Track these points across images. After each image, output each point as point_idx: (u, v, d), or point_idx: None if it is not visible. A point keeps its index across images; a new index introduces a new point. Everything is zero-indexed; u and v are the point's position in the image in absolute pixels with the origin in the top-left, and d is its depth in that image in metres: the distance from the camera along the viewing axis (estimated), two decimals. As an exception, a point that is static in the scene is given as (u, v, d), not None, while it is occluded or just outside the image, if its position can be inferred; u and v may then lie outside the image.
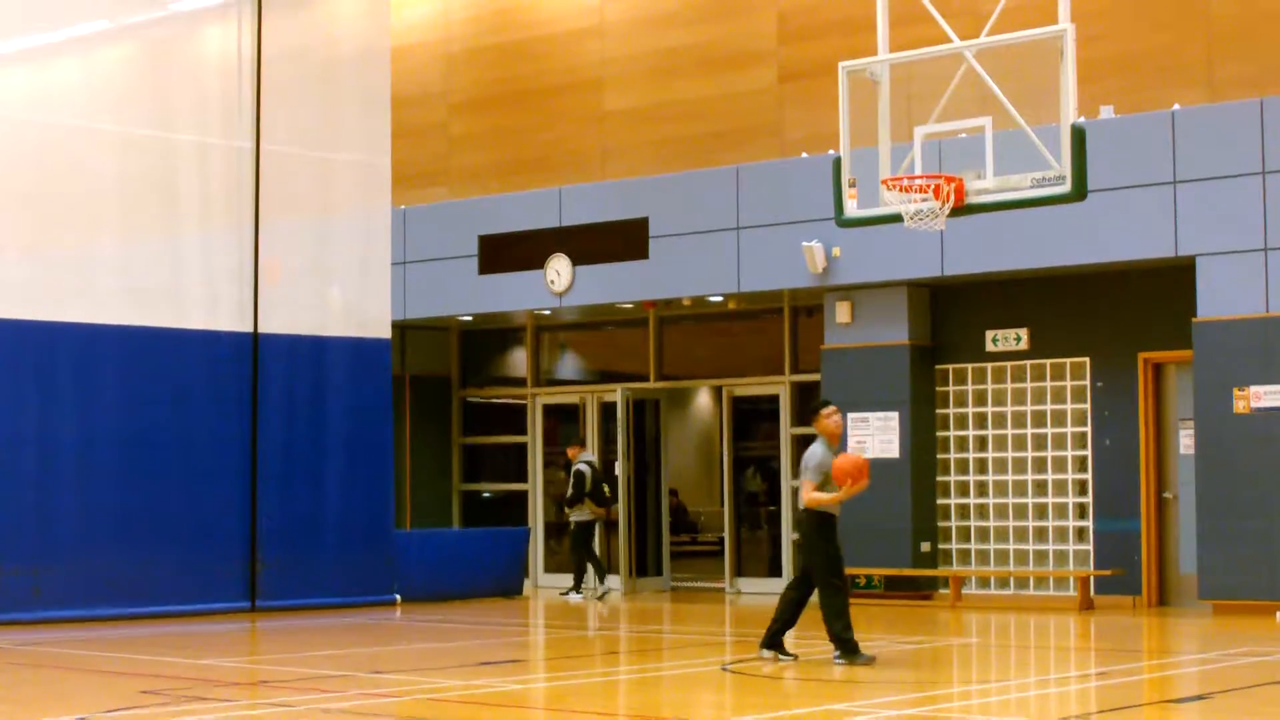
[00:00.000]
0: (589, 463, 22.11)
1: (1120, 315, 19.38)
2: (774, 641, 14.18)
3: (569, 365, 24.81)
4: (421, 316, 23.58)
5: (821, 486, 13.98)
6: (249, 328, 19.68)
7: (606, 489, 22.28)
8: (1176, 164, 18.22)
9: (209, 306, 19.47)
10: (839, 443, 14.33)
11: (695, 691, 12.78)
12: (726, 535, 22.44)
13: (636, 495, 22.91)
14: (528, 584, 22.74)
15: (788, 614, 14.18)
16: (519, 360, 24.67)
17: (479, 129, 24.98)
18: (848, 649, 13.83)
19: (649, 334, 23.16)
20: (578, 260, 22.03)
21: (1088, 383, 19.54)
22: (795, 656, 14.19)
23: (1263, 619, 17.44)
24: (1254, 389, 17.91)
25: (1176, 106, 18.51)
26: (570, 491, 22.02)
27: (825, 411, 14.30)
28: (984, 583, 20.09)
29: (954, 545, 20.27)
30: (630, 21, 23.58)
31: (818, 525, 14.04)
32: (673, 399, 24.86)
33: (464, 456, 25.05)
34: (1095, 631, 17.14)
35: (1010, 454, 19.98)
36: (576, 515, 22.00)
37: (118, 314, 18.83)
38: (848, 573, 20.31)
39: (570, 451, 22.32)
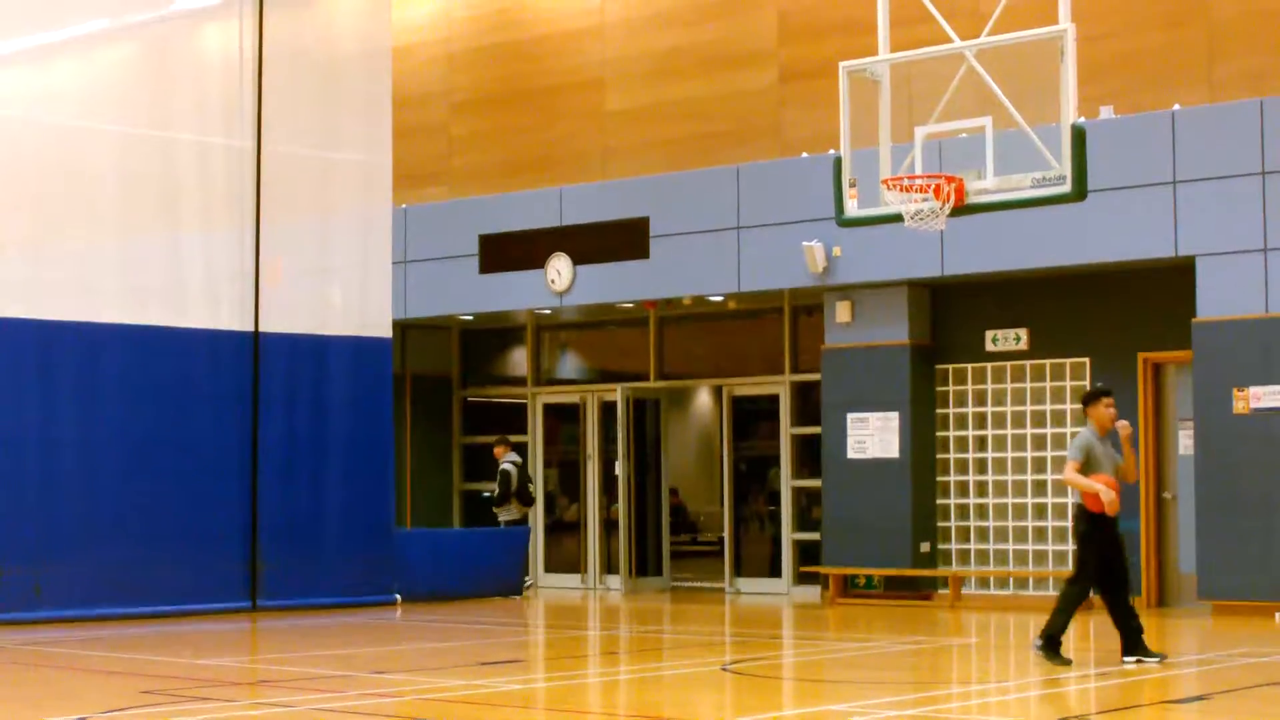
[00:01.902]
0: (514, 462, 22.23)
1: (1120, 315, 19.39)
2: (1050, 641, 13.73)
3: (569, 365, 24.83)
4: (422, 316, 23.60)
5: (1085, 467, 13.73)
6: (250, 327, 19.69)
7: (532, 488, 22.46)
8: (1177, 164, 18.23)
9: (210, 306, 19.48)
10: (1108, 434, 13.96)
11: (695, 691, 12.79)
12: (726, 535, 22.45)
13: (637, 495, 22.93)
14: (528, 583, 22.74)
15: (1068, 611, 13.76)
16: (519, 360, 24.69)
17: (480, 128, 25.00)
18: (1050, 647, 13.58)
19: (649, 333, 23.18)
20: (578, 260, 22.04)
21: (1087, 383, 19.54)
22: (1069, 662, 13.68)
23: (1262, 619, 17.46)
24: (1254, 389, 17.92)
25: (1177, 106, 18.53)
26: (496, 491, 22.17)
27: (1106, 401, 14.02)
28: (983, 583, 20.10)
29: (954, 545, 20.29)
30: (631, 21, 23.59)
31: (1091, 523, 13.80)
32: (673, 398, 24.89)
33: (464, 456, 25.07)
34: (1095, 631, 17.14)
35: (1010, 454, 19.99)
36: (504, 515, 22.15)
37: (118, 313, 18.84)
38: (848, 572, 20.43)
39: (497, 450, 22.45)
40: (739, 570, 22.39)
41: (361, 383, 20.45)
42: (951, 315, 20.39)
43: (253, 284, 19.71)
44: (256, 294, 19.72)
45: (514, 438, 24.29)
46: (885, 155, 14.79)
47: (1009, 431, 20.03)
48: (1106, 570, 13.83)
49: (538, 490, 23.44)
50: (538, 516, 23.92)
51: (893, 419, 20.22)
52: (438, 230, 23.34)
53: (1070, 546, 19.62)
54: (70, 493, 18.34)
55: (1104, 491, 13.66)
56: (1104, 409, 13.97)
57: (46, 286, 18.48)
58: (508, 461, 22.20)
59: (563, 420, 24.12)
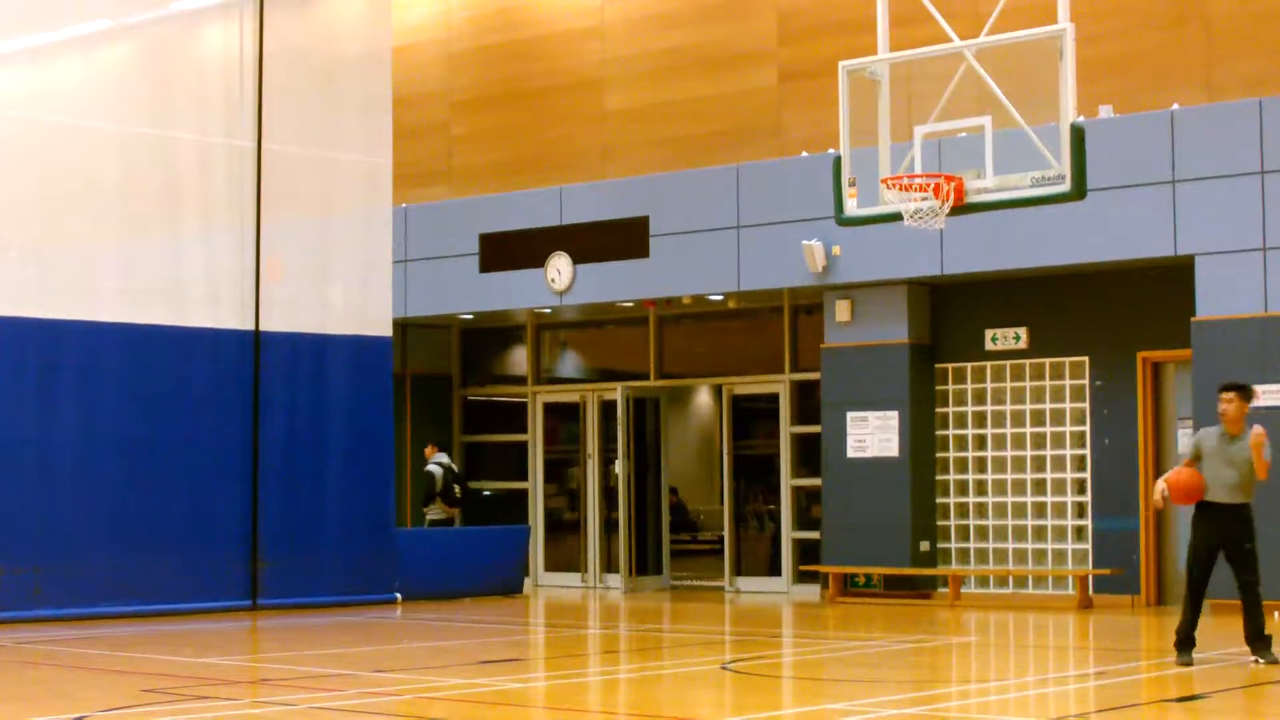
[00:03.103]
0: (440, 463, 22.51)
1: (1119, 314, 19.41)
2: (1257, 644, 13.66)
3: (569, 364, 24.85)
4: (422, 315, 23.63)
5: (1193, 464, 13.71)
6: (250, 326, 19.71)
7: (458, 489, 22.70)
8: (1175, 163, 18.25)
9: (210, 305, 19.50)
10: (1240, 429, 13.70)
11: (695, 690, 12.81)
12: (726, 534, 22.47)
13: (636, 494, 22.94)
14: (528, 582, 22.77)
15: (1246, 608, 13.70)
16: (520, 359, 24.71)
17: (480, 128, 25.02)
18: (1177, 646, 13.62)
19: (649, 332, 23.19)
20: (578, 259, 22.06)
21: (1087, 382, 19.57)
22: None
23: (1261, 618, 17.44)
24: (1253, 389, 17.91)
25: (1175, 106, 18.55)
26: (424, 491, 22.43)
27: (1222, 396, 13.80)
28: (983, 582, 20.12)
29: (953, 544, 20.30)
30: (630, 21, 23.61)
31: (1194, 514, 13.84)
32: (673, 397, 24.90)
33: (465, 455, 25.08)
34: (1094, 630, 17.17)
35: (1009, 453, 20.01)
36: (431, 514, 22.35)
37: (119, 312, 18.86)
38: (848, 571, 20.45)
39: (427, 451, 22.62)
40: (739, 569, 22.41)
41: (362, 382, 20.48)
42: (951, 314, 20.41)
43: (253, 283, 19.73)
44: (257, 293, 19.74)
45: (514, 437, 24.37)
46: (885, 154, 14.81)
47: (1008, 430, 20.05)
48: (1196, 564, 13.83)
49: (545, 492, 23.56)
50: (537, 516, 23.96)
51: (892, 418, 20.24)
52: (438, 229, 23.35)
53: (1071, 545, 19.67)
54: (70, 492, 18.36)
55: (1155, 487, 13.84)
56: (1220, 405, 13.85)
57: (47, 286, 18.50)
58: (434, 463, 22.48)
59: (563, 419, 24.15)
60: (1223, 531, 13.75)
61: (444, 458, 22.69)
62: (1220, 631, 16.44)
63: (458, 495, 22.71)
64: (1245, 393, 13.90)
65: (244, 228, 19.75)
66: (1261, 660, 13.42)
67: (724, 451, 22.63)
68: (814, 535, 21.34)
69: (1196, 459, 13.77)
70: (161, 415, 19.00)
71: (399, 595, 20.46)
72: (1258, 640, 13.58)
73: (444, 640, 16.86)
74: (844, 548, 20.49)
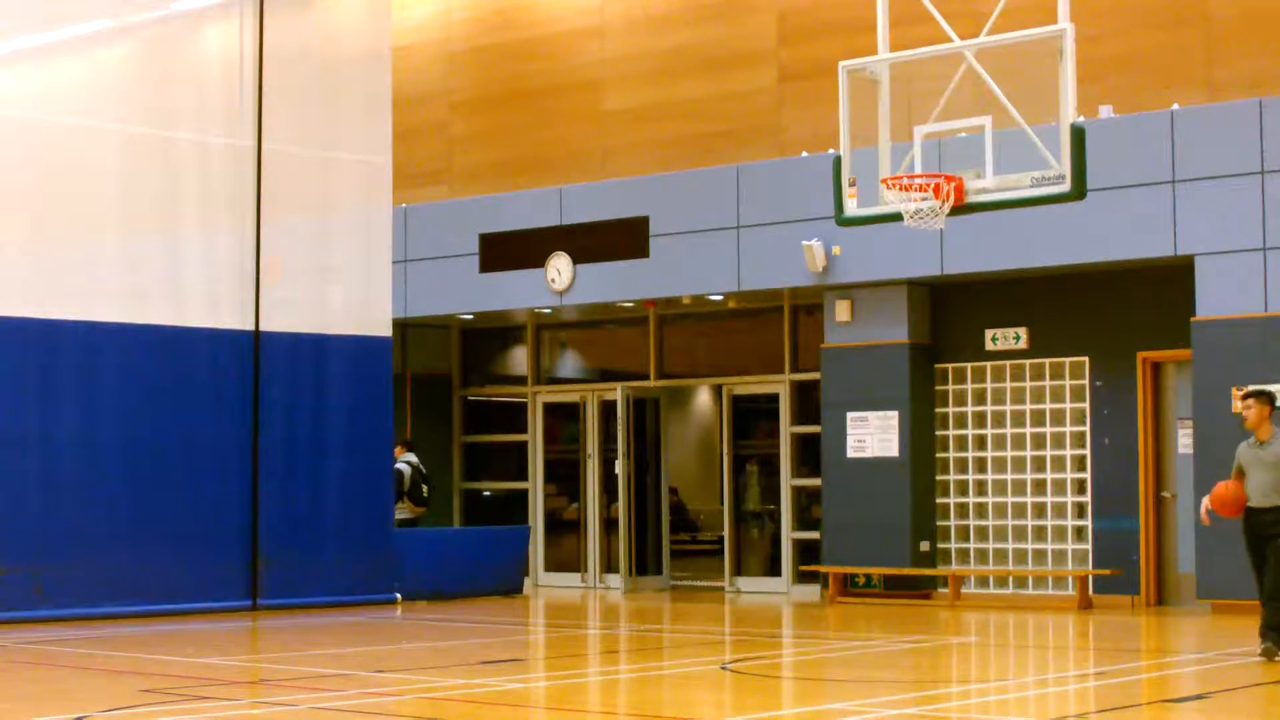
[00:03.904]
0: (409, 462, 22.45)
1: (1119, 314, 19.41)
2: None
3: (569, 364, 24.85)
4: (422, 315, 23.62)
5: (1240, 477, 13.88)
6: (250, 326, 19.71)
7: (425, 489, 22.61)
8: (1175, 163, 18.25)
9: (210, 305, 19.50)
10: (1267, 433, 13.83)
11: (695, 691, 12.81)
12: (726, 534, 22.47)
13: (636, 494, 22.95)
14: (528, 582, 22.78)
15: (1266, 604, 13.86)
16: (520, 359, 24.71)
17: (480, 128, 25.02)
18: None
19: (649, 332, 23.20)
20: (578, 259, 22.06)
21: (1087, 382, 19.57)
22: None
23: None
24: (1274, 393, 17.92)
25: (1175, 106, 18.54)
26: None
27: (1242, 404, 13.97)
28: (983, 582, 20.12)
29: (953, 544, 20.30)
30: (630, 21, 23.61)
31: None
32: (673, 397, 24.90)
33: (465, 455, 25.09)
34: (1094, 631, 17.17)
35: (1009, 453, 20.01)
36: (400, 514, 22.32)
37: (119, 312, 18.85)
38: (848, 571, 20.45)
39: (396, 451, 22.59)
40: (739, 569, 22.41)
41: (362, 382, 20.48)
42: (951, 314, 20.41)
43: (253, 283, 19.73)
44: (257, 293, 19.74)
45: (514, 437, 24.38)
46: (885, 154, 14.80)
47: (1008, 431, 20.04)
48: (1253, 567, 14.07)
49: (545, 492, 23.53)
50: (537, 516, 23.96)
51: (892, 418, 20.24)
52: (438, 230, 23.36)
53: (1071, 546, 19.68)
54: (70, 492, 18.36)
55: (1201, 505, 14.19)
56: (1242, 412, 14.02)
57: (46, 286, 18.50)
58: (402, 462, 22.44)
59: (563, 419, 24.15)
60: (1258, 532, 13.91)
61: (412, 457, 22.66)
62: (1221, 631, 16.46)
63: (425, 495, 22.70)
64: (1264, 397, 14.05)
65: (244, 228, 19.75)
66: (1260, 649, 13.42)
67: (724, 451, 22.63)
68: (814, 535, 21.34)
69: (1240, 472, 13.92)
70: (161, 415, 18.99)
71: (399, 595, 20.46)
72: (1269, 633, 13.60)
73: (444, 640, 16.86)
74: (844, 548, 20.49)
